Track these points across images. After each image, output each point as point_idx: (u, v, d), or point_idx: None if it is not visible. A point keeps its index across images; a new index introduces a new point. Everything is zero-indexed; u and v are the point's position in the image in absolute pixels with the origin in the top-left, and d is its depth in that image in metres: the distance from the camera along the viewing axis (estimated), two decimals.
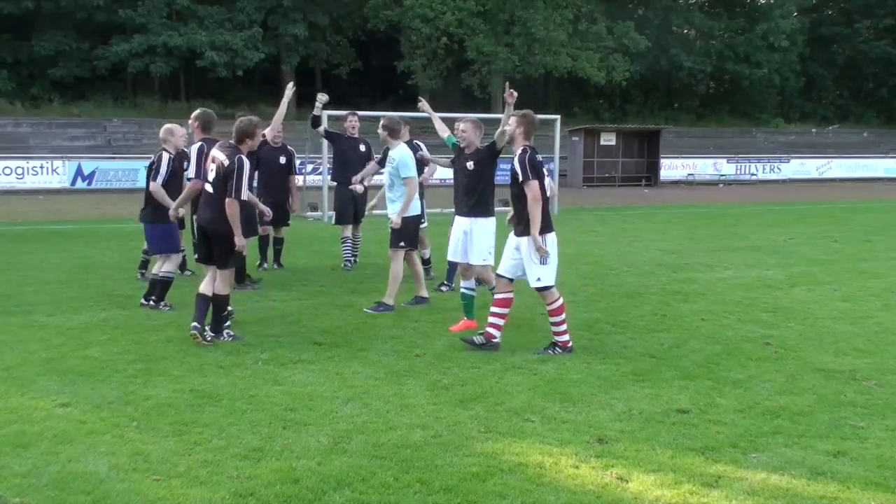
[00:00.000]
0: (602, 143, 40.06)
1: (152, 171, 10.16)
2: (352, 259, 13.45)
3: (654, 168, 40.54)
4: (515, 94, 8.69)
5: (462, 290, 9.59)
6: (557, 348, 8.36)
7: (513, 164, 8.31)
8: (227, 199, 8.33)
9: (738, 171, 43.14)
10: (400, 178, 10.23)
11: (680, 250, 16.33)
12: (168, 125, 10.58)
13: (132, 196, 24.76)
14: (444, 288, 11.58)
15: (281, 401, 6.72)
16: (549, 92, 52.42)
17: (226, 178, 8.36)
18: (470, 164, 9.33)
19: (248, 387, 7.08)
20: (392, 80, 45.05)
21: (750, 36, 51.18)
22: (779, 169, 44.15)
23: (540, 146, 30.78)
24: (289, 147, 13.21)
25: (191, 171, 9.80)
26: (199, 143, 9.70)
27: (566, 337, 8.41)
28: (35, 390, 6.95)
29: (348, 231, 13.33)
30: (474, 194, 9.38)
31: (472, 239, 9.37)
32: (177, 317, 9.52)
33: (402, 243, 10.32)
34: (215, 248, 8.58)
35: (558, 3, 43.88)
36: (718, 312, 10.40)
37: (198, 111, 10.23)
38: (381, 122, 10.56)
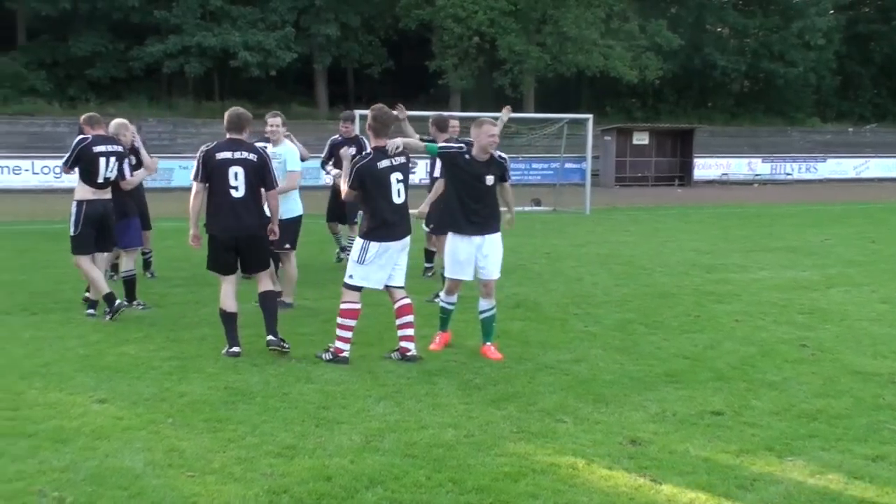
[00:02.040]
0: (635, 142, 39.86)
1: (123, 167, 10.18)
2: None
3: (687, 167, 40.27)
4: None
5: (445, 304, 8.61)
6: (329, 353, 7.89)
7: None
8: (269, 192, 8.23)
9: (774, 171, 42.75)
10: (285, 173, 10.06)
11: (714, 251, 16.22)
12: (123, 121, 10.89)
13: (168, 195, 24.99)
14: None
15: (314, 399, 6.74)
16: (581, 91, 52.19)
17: (261, 175, 8.12)
18: (490, 179, 8.13)
19: (281, 385, 7.12)
20: (423, 79, 45.07)
21: (785, 34, 50.61)
22: (815, 168, 43.70)
23: (572, 146, 30.64)
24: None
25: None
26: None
27: (344, 345, 7.88)
28: (73, 386, 7.03)
29: None
30: (489, 208, 8.31)
31: (489, 254, 8.33)
32: (210, 314, 9.57)
33: (287, 245, 10.19)
34: (255, 253, 8.25)
35: (590, 2, 43.64)
36: (753, 314, 10.32)
37: (86, 114, 10.08)
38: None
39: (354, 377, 7.37)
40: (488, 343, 8.33)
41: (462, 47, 42.93)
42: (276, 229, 8.46)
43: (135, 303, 10.31)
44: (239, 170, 7.98)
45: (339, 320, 7.96)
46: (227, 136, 8.21)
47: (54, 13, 39.92)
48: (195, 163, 8.11)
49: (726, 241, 17.75)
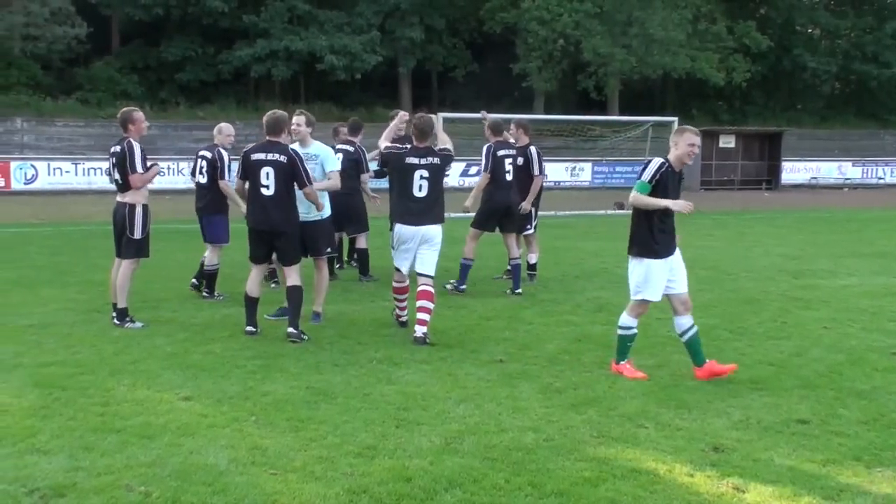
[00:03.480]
0: (721, 145, 39.28)
1: (215, 168, 11.04)
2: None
3: (775, 171, 39.52)
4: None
5: (693, 332, 7.68)
6: (397, 322, 9.42)
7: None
8: (303, 190, 8.82)
9: (865, 175, 41.67)
10: (325, 175, 9.56)
11: (802, 256, 15.88)
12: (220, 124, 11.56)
13: None
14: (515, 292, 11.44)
15: (394, 400, 6.79)
16: (667, 93, 51.57)
17: (291, 174, 8.72)
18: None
19: (362, 385, 7.19)
20: (507, 82, 45.00)
21: (879, 35, 49.21)
22: None
23: (656, 148, 30.42)
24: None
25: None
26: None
27: (401, 312, 9.40)
28: (160, 383, 7.20)
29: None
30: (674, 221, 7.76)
31: (678, 268, 7.80)
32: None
33: (329, 249, 10.03)
34: (284, 247, 8.94)
35: (677, 3, 43.06)
36: (842, 320, 10.06)
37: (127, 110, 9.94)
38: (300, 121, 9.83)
39: (435, 379, 7.40)
40: (706, 363, 7.56)
41: (546, 50, 42.71)
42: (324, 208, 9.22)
43: (216, 294, 11.05)
44: (269, 170, 8.72)
45: (392, 296, 9.55)
46: (266, 138, 8.93)
47: (147, 19, 41.02)
48: (239, 162, 9.08)
49: (814, 247, 17.35)
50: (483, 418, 6.39)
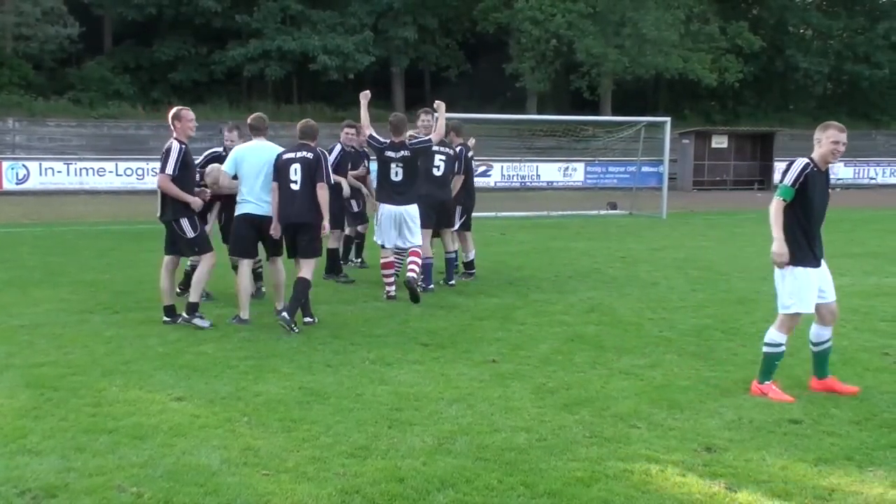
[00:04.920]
0: (713, 145, 39.35)
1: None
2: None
3: (767, 171, 39.57)
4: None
5: (828, 346, 7.41)
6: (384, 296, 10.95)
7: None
8: (318, 184, 9.30)
9: (857, 175, 41.77)
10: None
11: None
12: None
13: None
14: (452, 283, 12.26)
15: (387, 400, 6.78)
16: (660, 94, 51.66)
17: (314, 169, 9.31)
18: (828, 193, 7.22)
19: (354, 386, 7.18)
20: (500, 82, 45.06)
21: (870, 35, 49.36)
22: None
23: (649, 149, 30.42)
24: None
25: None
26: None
27: (389, 288, 11.01)
28: (152, 384, 7.18)
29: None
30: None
31: (826, 276, 7.26)
32: None
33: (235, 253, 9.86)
34: (303, 239, 9.39)
35: (670, 4, 43.15)
36: None
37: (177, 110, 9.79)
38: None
39: (427, 379, 7.40)
40: (828, 378, 7.32)
41: (539, 50, 42.80)
42: (327, 224, 9.52)
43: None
44: (297, 166, 9.37)
45: (381, 273, 11.22)
46: (299, 141, 9.63)
47: (139, 18, 41.00)
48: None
49: None
50: (476, 418, 6.39)
